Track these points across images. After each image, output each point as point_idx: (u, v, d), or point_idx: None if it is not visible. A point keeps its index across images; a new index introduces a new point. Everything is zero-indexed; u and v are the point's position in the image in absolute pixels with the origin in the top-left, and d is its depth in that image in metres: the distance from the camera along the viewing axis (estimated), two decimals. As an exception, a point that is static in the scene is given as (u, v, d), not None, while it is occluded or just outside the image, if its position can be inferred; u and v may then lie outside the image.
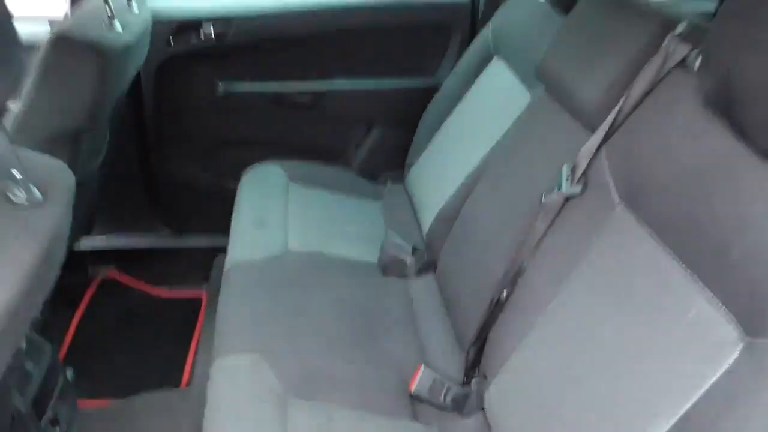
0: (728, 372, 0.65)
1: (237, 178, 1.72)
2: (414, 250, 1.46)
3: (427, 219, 1.52)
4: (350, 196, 1.72)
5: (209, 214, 1.88)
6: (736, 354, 0.65)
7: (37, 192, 0.73)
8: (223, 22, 1.76)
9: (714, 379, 0.66)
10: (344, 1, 1.83)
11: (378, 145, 1.96)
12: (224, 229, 1.53)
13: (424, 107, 1.82)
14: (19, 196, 0.72)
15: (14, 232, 0.69)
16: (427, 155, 1.69)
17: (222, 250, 1.49)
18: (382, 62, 1.87)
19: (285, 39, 1.82)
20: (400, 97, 1.91)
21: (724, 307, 0.68)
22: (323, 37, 1.84)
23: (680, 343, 0.72)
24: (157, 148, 1.88)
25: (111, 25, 1.31)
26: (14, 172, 0.71)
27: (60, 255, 0.79)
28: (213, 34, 1.75)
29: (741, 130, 0.72)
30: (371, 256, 1.47)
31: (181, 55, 1.77)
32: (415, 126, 1.82)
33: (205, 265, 1.90)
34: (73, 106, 1.21)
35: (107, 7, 1.30)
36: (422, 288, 1.40)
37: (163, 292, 1.95)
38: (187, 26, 1.74)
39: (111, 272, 1.97)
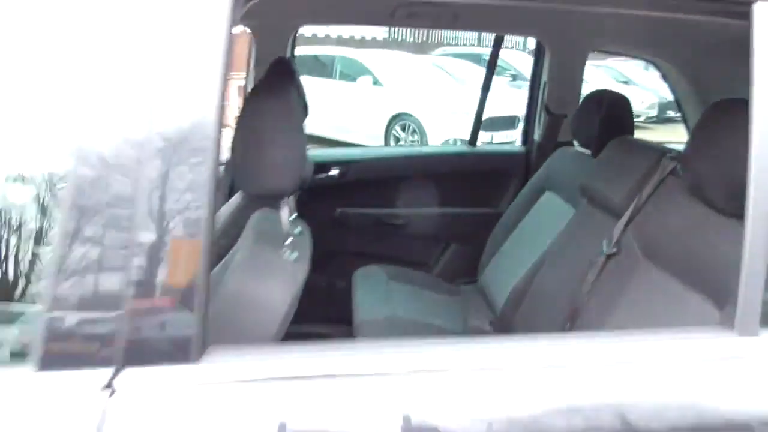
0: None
1: (345, 279, 2.27)
2: (490, 323, 1.96)
3: (500, 301, 2.03)
4: (435, 291, 2.26)
5: (322, 307, 2.42)
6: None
7: (296, 253, 1.12)
8: (345, 164, 2.44)
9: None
10: (430, 150, 2.53)
11: (453, 258, 2.53)
12: (334, 318, 2.08)
13: (489, 230, 2.40)
14: (288, 256, 1.09)
15: (283, 279, 1.09)
16: (496, 259, 2.25)
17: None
18: (458, 195, 2.51)
19: (387, 177, 2.49)
20: (471, 221, 2.52)
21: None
22: (414, 176, 2.51)
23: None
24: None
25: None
26: (288, 241, 1.11)
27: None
28: (337, 174, 2.43)
29: (710, 203, 1.27)
30: (455, 327, 1.98)
31: (313, 187, 2.43)
32: (483, 245, 2.39)
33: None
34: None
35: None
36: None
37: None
38: (319, 167, 2.42)
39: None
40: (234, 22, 0.78)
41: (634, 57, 3.36)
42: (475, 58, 10.87)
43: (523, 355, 0.89)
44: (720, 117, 1.27)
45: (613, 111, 1.95)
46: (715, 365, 0.94)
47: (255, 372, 0.82)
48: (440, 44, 14.27)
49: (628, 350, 0.92)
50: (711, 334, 1.00)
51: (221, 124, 0.77)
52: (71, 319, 0.75)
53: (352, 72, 8.73)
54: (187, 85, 0.76)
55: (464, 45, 14.60)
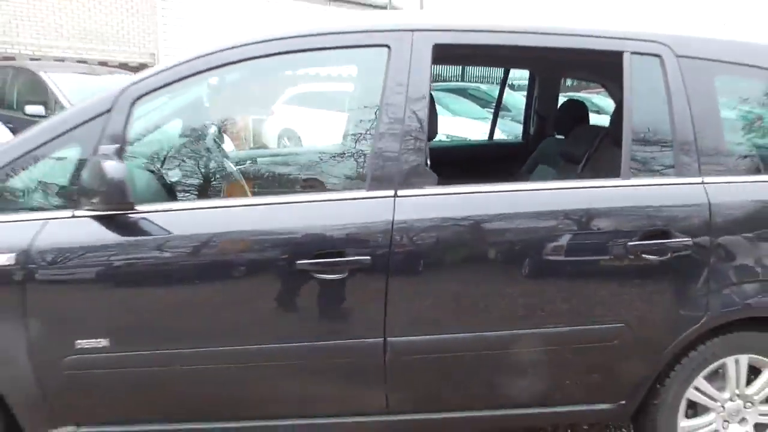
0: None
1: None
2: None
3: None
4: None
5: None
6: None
7: None
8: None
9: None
10: (463, 143, 3.87)
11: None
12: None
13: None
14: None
15: None
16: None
17: None
18: (482, 171, 3.86)
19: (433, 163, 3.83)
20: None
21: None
22: (451, 161, 3.85)
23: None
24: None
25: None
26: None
27: None
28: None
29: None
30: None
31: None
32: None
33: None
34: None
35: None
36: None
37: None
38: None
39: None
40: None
41: (591, 81, 4.78)
42: (462, 92, 12.44)
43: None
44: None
45: (575, 110, 3.33)
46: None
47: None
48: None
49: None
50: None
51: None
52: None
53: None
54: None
55: (452, 81, 16.28)
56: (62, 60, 11.44)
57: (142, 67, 13.97)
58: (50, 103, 7.01)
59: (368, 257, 1.93)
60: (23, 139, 1.97)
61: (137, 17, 13.85)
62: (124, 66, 12.16)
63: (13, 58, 10.90)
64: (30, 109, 6.86)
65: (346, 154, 2.54)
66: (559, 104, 3.60)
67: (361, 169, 2.18)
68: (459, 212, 2.02)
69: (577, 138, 3.12)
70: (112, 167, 1.73)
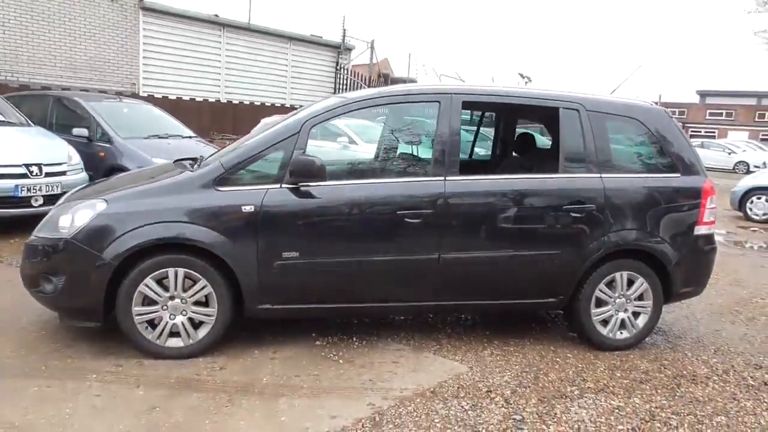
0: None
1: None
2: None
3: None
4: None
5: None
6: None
7: None
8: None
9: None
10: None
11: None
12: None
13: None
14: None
15: None
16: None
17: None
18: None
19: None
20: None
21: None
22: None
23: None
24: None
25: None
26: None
27: None
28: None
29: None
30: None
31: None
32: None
33: None
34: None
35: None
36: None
37: None
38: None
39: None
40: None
41: (535, 122, 6.78)
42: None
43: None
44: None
45: (526, 139, 5.24)
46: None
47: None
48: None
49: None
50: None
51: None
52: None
53: (330, 135, 11.99)
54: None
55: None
56: (49, 87, 12.76)
57: (119, 94, 15.45)
58: (93, 126, 8.43)
59: (431, 210, 3.72)
60: (247, 149, 3.66)
61: (121, 52, 15.22)
62: (103, 92, 13.50)
63: (48, 88, 11.99)
64: (76, 131, 8.27)
65: (422, 157, 4.27)
66: (516, 135, 5.48)
67: (428, 165, 3.94)
68: (474, 188, 3.84)
69: (530, 155, 5.02)
70: (315, 160, 3.46)
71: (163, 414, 2.94)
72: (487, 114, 6.09)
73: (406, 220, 3.69)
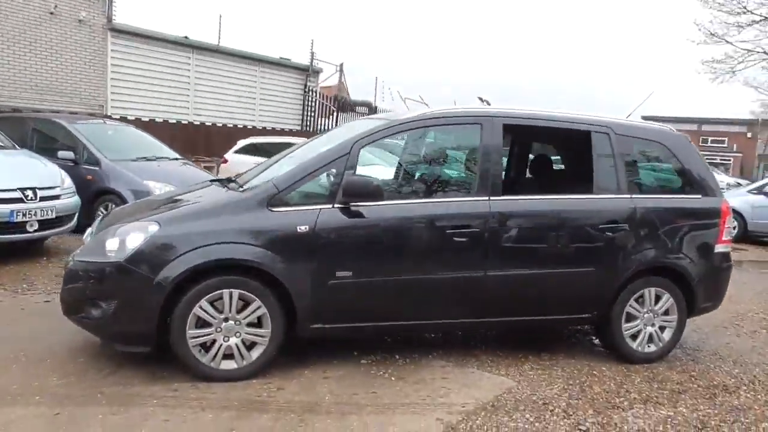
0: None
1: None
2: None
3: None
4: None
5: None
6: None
7: None
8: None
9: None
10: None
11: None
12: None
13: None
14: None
15: None
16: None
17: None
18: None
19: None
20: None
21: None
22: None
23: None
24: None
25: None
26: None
27: None
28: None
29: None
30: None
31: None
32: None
33: None
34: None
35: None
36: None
37: None
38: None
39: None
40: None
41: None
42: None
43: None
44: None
45: (545, 162, 5.42)
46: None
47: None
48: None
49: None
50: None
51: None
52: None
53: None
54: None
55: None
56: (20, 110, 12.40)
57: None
58: (79, 149, 8.22)
59: (478, 229, 3.81)
60: (299, 170, 3.68)
61: (89, 73, 14.92)
62: (73, 113, 13.20)
63: (20, 110, 11.57)
64: (62, 154, 8.05)
65: (466, 177, 4.35)
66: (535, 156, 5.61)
67: (473, 185, 4.02)
68: (516, 208, 3.96)
69: (548, 177, 5.19)
70: (372, 180, 3.52)
71: (241, 436, 2.90)
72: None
73: (454, 239, 3.78)
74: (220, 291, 3.45)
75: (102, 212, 7.89)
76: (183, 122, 16.97)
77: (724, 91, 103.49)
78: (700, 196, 4.47)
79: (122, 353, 3.67)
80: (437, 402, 3.41)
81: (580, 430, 3.19)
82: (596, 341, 4.69)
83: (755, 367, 4.43)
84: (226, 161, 13.28)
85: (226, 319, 3.49)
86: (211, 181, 4.45)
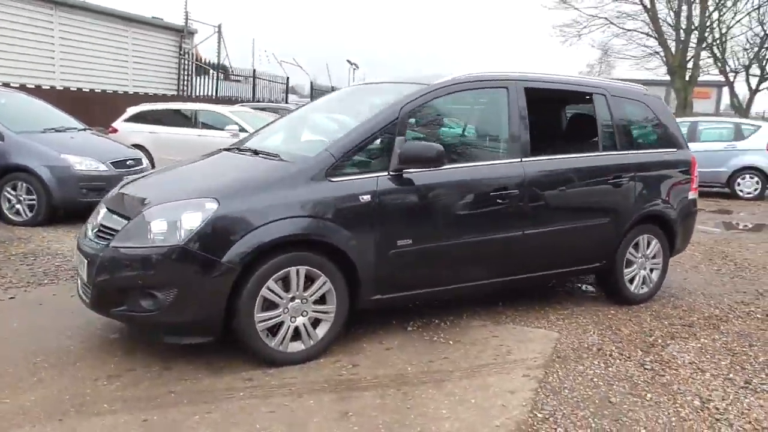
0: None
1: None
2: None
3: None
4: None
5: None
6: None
7: None
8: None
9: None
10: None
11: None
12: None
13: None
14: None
15: None
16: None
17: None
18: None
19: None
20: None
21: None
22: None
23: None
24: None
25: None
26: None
27: None
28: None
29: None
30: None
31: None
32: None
33: None
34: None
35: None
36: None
37: None
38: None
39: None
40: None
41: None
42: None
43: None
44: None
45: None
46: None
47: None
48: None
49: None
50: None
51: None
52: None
53: (218, 123, 11.35)
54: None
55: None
56: None
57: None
58: None
59: (516, 190, 3.92)
60: (354, 137, 3.51)
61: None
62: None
63: None
64: None
65: (501, 140, 4.31)
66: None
67: (506, 147, 4.09)
68: (546, 167, 4.12)
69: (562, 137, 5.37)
70: (434, 145, 3.47)
71: (364, 417, 2.80)
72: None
73: (498, 200, 3.85)
74: (287, 269, 3.25)
75: (9, 193, 6.96)
76: (44, 87, 15.16)
77: (572, 53, 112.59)
78: (675, 149, 4.93)
79: (155, 346, 3.36)
80: (509, 360, 3.52)
81: (646, 369, 3.47)
82: (584, 288, 5.07)
83: (722, 297, 5.04)
84: (115, 131, 12.10)
85: (292, 299, 3.30)
86: (224, 150, 4.13)
